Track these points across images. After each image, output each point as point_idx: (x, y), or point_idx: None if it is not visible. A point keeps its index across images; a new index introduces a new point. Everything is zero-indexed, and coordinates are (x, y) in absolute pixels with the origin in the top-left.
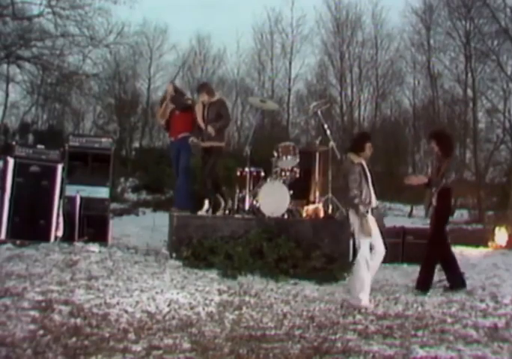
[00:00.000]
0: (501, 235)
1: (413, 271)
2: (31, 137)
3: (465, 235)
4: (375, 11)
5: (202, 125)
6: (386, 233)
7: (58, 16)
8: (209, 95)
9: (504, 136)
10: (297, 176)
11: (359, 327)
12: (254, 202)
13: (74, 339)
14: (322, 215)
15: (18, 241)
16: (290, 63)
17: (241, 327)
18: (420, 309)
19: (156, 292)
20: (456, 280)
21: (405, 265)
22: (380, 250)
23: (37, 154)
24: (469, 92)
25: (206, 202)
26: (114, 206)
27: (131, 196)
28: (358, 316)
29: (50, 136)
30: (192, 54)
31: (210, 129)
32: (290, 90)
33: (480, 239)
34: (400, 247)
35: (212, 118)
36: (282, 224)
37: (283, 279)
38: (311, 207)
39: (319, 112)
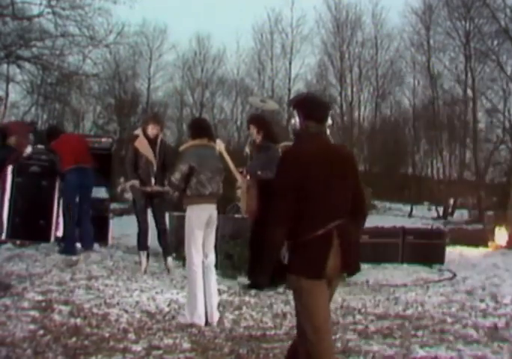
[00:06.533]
0: (501, 235)
1: (413, 271)
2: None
3: (465, 235)
4: (375, 11)
5: (155, 163)
6: (386, 233)
7: (58, 16)
8: (161, 129)
9: (504, 136)
10: None
11: (359, 327)
12: None
13: (74, 339)
14: None
15: (18, 241)
16: (290, 63)
17: (241, 327)
18: (420, 309)
19: (156, 292)
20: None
21: (405, 265)
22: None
23: (37, 154)
24: (469, 92)
25: None
26: (114, 206)
27: (131, 196)
28: (358, 316)
29: None
30: (191, 54)
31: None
32: (290, 90)
33: (480, 239)
34: (400, 247)
35: (163, 160)
36: None
37: None
38: None
39: None
